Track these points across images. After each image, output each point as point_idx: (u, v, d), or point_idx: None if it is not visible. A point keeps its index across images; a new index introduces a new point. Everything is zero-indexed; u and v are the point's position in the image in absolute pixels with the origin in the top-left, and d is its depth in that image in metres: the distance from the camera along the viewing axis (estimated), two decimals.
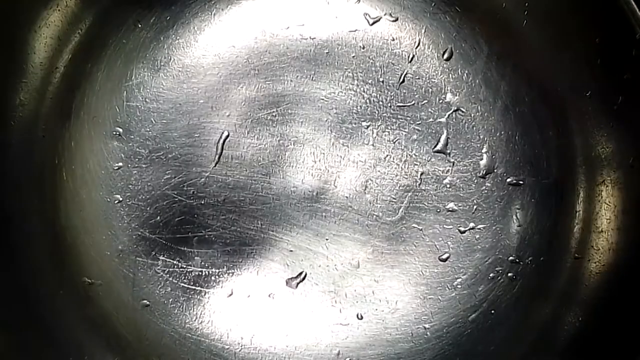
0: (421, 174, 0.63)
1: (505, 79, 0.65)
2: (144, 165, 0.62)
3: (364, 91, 0.64)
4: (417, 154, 0.64)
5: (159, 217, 0.61)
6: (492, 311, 0.61)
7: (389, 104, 0.64)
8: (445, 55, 0.65)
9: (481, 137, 0.64)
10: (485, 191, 0.63)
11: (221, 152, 0.62)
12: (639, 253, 0.56)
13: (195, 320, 0.59)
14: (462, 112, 0.65)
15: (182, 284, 0.60)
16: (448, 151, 0.64)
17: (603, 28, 0.58)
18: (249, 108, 0.63)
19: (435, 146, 0.64)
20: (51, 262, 0.58)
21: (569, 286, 0.60)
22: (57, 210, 0.60)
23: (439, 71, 0.65)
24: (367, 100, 0.64)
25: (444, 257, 0.62)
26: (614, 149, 0.60)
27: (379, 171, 0.63)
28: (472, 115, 0.65)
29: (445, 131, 0.64)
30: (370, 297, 0.61)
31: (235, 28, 0.64)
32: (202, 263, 0.60)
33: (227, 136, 0.63)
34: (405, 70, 0.65)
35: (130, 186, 0.61)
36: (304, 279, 0.61)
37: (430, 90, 0.65)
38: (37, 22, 0.59)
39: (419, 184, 0.63)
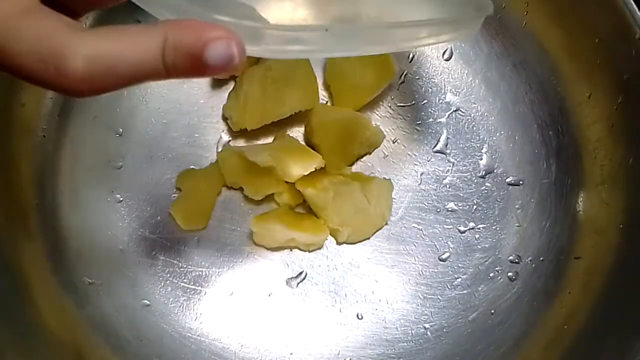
0: (421, 174, 0.63)
1: (505, 79, 0.65)
2: (144, 165, 0.62)
3: None
4: (417, 154, 0.64)
5: (159, 217, 0.61)
6: (492, 311, 0.61)
7: (389, 104, 0.64)
8: (445, 55, 0.66)
9: (481, 137, 0.64)
10: (485, 191, 0.63)
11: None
12: (639, 253, 0.56)
13: (195, 320, 0.59)
14: (462, 112, 0.65)
15: (182, 284, 0.60)
16: (448, 151, 0.64)
17: (603, 28, 0.58)
18: None
19: (435, 146, 0.64)
20: (51, 262, 0.58)
21: (569, 286, 0.60)
22: (57, 210, 0.60)
23: (439, 71, 0.65)
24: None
25: (444, 257, 0.62)
26: (613, 149, 0.60)
27: (379, 171, 0.63)
28: (472, 115, 0.65)
29: (445, 131, 0.64)
30: (370, 297, 0.61)
31: None
32: (202, 263, 0.60)
33: None
34: (405, 70, 0.65)
35: (131, 186, 0.61)
36: (304, 279, 0.61)
37: (430, 90, 0.65)
38: None
39: (419, 184, 0.63)
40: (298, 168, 0.58)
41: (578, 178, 0.62)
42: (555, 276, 0.61)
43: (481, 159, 0.64)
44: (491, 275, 0.62)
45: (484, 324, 0.60)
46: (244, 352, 0.59)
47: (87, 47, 0.33)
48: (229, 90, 0.63)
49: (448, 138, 0.64)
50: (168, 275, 0.60)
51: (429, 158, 0.64)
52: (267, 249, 0.60)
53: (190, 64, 0.33)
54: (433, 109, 0.64)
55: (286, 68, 0.60)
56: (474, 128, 0.64)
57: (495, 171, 0.64)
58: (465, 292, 0.61)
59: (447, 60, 0.65)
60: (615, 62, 0.58)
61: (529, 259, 0.62)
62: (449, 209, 0.63)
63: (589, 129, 0.61)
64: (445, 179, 0.63)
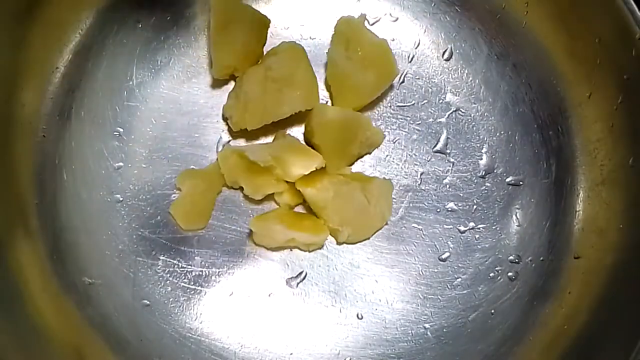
0: (421, 174, 0.63)
1: (505, 79, 0.65)
2: (144, 165, 0.62)
3: None
4: (417, 154, 0.64)
5: (159, 217, 0.61)
6: (492, 311, 0.61)
7: (389, 104, 0.64)
8: (445, 55, 0.66)
9: (481, 137, 0.64)
10: (485, 191, 0.63)
11: None
12: (639, 253, 0.56)
13: (195, 320, 0.59)
14: (462, 112, 0.65)
15: (183, 284, 0.60)
16: (448, 151, 0.64)
17: (603, 28, 0.58)
18: None
19: (435, 146, 0.64)
20: (51, 262, 0.58)
21: (569, 286, 0.60)
22: (57, 210, 0.60)
23: (439, 71, 0.65)
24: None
25: (444, 257, 0.62)
26: (613, 149, 0.60)
27: (379, 171, 0.63)
28: (472, 115, 0.65)
29: (445, 131, 0.64)
30: (370, 297, 0.61)
31: None
32: (202, 263, 0.60)
33: None
34: (405, 70, 0.65)
35: (131, 186, 0.61)
36: (304, 278, 0.61)
37: (430, 90, 0.65)
38: (38, 22, 0.59)
39: (419, 184, 0.63)
40: (299, 167, 0.58)
41: (578, 178, 0.62)
42: (555, 276, 0.61)
43: (481, 159, 0.64)
44: (491, 275, 0.62)
45: (484, 324, 0.60)
46: (244, 352, 0.59)
47: None
48: (229, 90, 0.63)
49: (448, 138, 0.64)
50: (168, 275, 0.60)
51: (429, 158, 0.64)
52: (267, 249, 0.60)
53: None
54: (433, 109, 0.64)
55: (286, 68, 0.60)
56: (474, 128, 0.64)
57: (495, 171, 0.64)
58: (465, 292, 0.61)
59: (447, 60, 0.65)
60: (615, 62, 0.58)
61: (529, 259, 0.62)
62: (449, 209, 0.63)
63: (589, 129, 0.61)
64: (445, 179, 0.63)
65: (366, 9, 0.65)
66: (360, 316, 0.60)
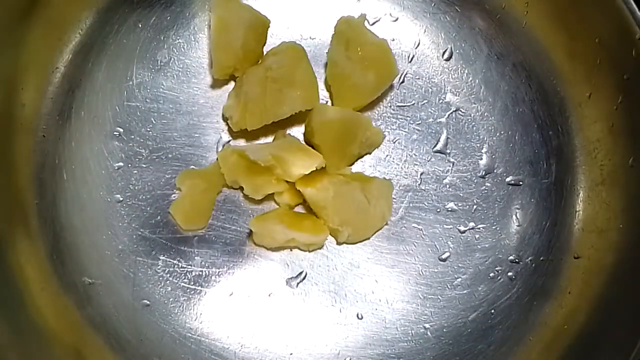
0: (421, 174, 0.63)
1: (505, 79, 0.65)
2: (144, 165, 0.62)
3: None
4: (417, 154, 0.64)
5: (159, 217, 0.61)
6: (492, 311, 0.61)
7: (389, 104, 0.64)
8: (445, 55, 0.66)
9: (481, 137, 0.64)
10: (485, 191, 0.63)
11: None
12: (639, 253, 0.56)
13: (195, 320, 0.59)
14: (462, 112, 0.65)
15: (183, 284, 0.60)
16: (448, 151, 0.64)
17: (603, 28, 0.58)
18: None
19: (435, 146, 0.64)
20: (51, 262, 0.59)
21: (569, 286, 0.60)
22: (57, 210, 0.60)
23: (439, 71, 0.65)
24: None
25: (444, 257, 0.62)
26: (613, 149, 0.60)
27: (379, 171, 0.63)
28: (472, 115, 0.65)
29: (445, 131, 0.64)
30: (370, 297, 0.61)
31: None
32: (202, 263, 0.60)
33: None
34: (405, 70, 0.65)
35: (131, 186, 0.61)
36: (304, 278, 0.61)
37: (430, 90, 0.65)
38: (38, 22, 0.59)
39: (419, 184, 0.63)
40: (299, 167, 0.58)
41: (578, 178, 0.62)
42: (555, 276, 0.61)
43: (481, 159, 0.64)
44: (491, 275, 0.62)
45: (484, 324, 0.60)
46: (244, 352, 0.59)
47: None
48: (229, 90, 0.63)
49: (448, 138, 0.64)
50: (168, 275, 0.60)
51: (429, 158, 0.64)
52: (267, 249, 0.60)
53: None
54: (433, 109, 0.64)
55: (286, 68, 0.60)
56: (474, 128, 0.64)
57: (495, 171, 0.64)
58: (465, 292, 0.61)
59: (447, 60, 0.65)
60: (615, 62, 0.58)
61: (529, 259, 0.62)
62: (449, 209, 0.63)
63: (589, 129, 0.62)
64: (445, 179, 0.63)
65: (366, 9, 0.65)
66: (360, 316, 0.60)
